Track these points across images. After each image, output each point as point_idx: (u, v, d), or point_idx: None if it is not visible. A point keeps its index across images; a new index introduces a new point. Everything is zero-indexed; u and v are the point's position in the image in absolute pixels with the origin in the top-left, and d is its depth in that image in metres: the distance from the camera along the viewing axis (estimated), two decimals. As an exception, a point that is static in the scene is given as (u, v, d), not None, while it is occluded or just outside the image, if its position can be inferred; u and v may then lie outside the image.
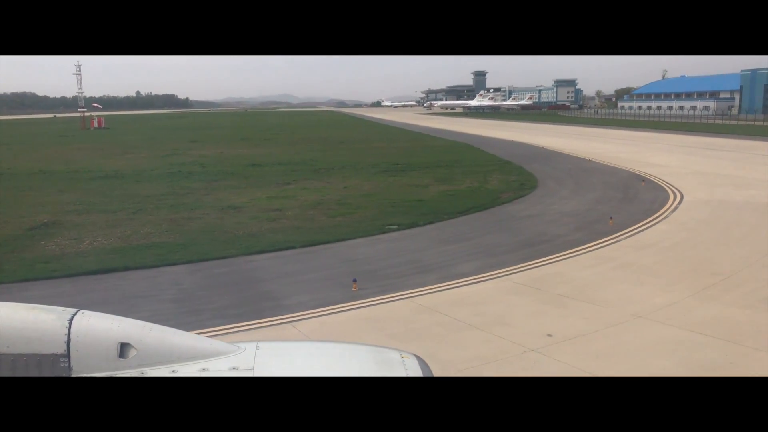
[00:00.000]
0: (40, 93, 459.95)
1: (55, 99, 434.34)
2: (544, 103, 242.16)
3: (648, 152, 49.23)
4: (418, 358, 4.53)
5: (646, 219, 22.34)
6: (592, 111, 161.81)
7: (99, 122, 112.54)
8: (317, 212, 24.25)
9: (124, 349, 3.97)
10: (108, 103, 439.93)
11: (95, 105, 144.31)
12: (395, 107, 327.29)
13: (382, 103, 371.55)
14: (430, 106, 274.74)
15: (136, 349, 3.99)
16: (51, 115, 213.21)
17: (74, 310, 4.04)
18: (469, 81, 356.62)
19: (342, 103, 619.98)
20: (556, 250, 17.94)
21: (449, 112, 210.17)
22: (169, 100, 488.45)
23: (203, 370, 4.06)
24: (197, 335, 4.57)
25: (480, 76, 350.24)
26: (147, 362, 4.00)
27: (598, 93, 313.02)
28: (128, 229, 21.09)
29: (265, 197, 28.33)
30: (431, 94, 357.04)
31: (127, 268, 16.34)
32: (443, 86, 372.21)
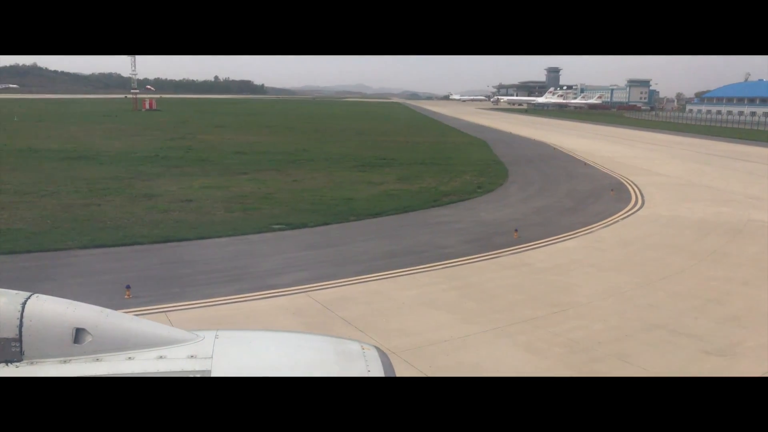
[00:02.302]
0: (125, 74, 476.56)
1: (138, 80, 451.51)
2: (615, 102, 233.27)
3: (665, 159, 45.60)
4: (378, 349, 4.50)
5: (564, 233, 19.96)
6: (653, 113, 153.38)
7: (150, 104, 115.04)
8: (226, 205, 22.94)
9: (79, 334, 3.87)
10: (186, 86, 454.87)
11: (148, 87, 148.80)
12: (464, 101, 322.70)
13: (451, 97, 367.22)
14: (497, 102, 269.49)
15: (91, 335, 3.89)
16: (123, 96, 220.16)
17: (28, 293, 3.95)
18: (542, 77, 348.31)
19: (415, 95, 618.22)
20: (415, 263, 16.00)
21: (513, 108, 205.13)
22: (245, 86, 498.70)
23: (160, 357, 3.98)
24: (156, 323, 4.44)
25: (553, 72, 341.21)
26: (102, 348, 3.90)
27: (679, 95, 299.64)
28: (7, 214, 20.41)
29: (199, 186, 27.27)
30: (502, 90, 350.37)
31: (-64, 256, 15.52)
32: (516, 82, 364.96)
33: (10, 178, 28.20)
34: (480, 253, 17.28)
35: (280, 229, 19.66)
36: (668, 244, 18.82)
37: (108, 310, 4.24)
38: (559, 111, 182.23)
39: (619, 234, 20.15)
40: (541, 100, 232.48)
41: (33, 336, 3.80)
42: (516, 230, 19.49)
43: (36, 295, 4.00)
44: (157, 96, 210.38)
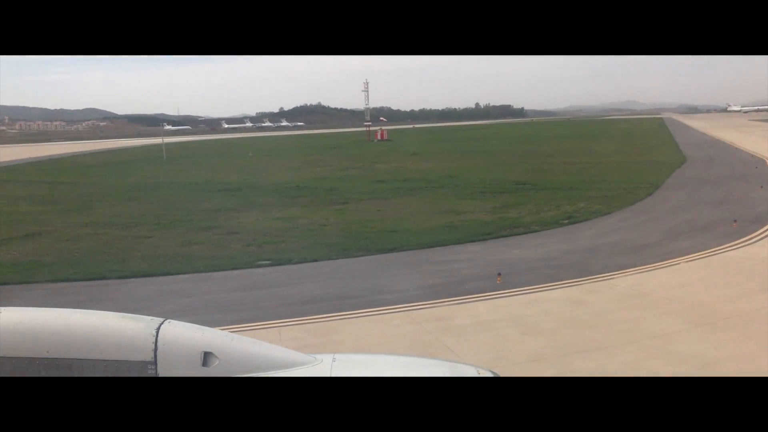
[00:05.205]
0: (394, 108, 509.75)
1: (404, 113, 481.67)
2: None
3: None
4: (494, 373, 4.64)
5: (569, 279, 15.99)
6: None
7: (382, 135, 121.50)
8: (257, 238, 22.72)
9: (207, 358, 4.21)
10: (449, 114, 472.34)
11: (381, 119, 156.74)
12: (745, 112, 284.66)
13: (729, 109, 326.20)
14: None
15: (218, 358, 4.23)
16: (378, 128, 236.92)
17: (161, 319, 4.36)
18: None
19: (693, 109, 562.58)
20: (319, 312, 14.02)
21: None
22: (505, 111, 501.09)
23: None
24: (279, 346, 4.85)
25: None
26: (229, 371, 4.22)
27: None
28: (60, 245, 22.57)
29: (275, 218, 27.58)
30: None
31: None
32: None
33: (129, 210, 31.48)
34: (420, 302, 14.56)
35: (259, 266, 18.81)
36: (687, 300, 13.93)
37: (234, 335, 4.54)
38: None
39: (642, 283, 15.49)
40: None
41: (166, 359, 4.05)
42: (499, 274, 16.07)
43: (168, 320, 4.29)
44: (410, 126, 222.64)
